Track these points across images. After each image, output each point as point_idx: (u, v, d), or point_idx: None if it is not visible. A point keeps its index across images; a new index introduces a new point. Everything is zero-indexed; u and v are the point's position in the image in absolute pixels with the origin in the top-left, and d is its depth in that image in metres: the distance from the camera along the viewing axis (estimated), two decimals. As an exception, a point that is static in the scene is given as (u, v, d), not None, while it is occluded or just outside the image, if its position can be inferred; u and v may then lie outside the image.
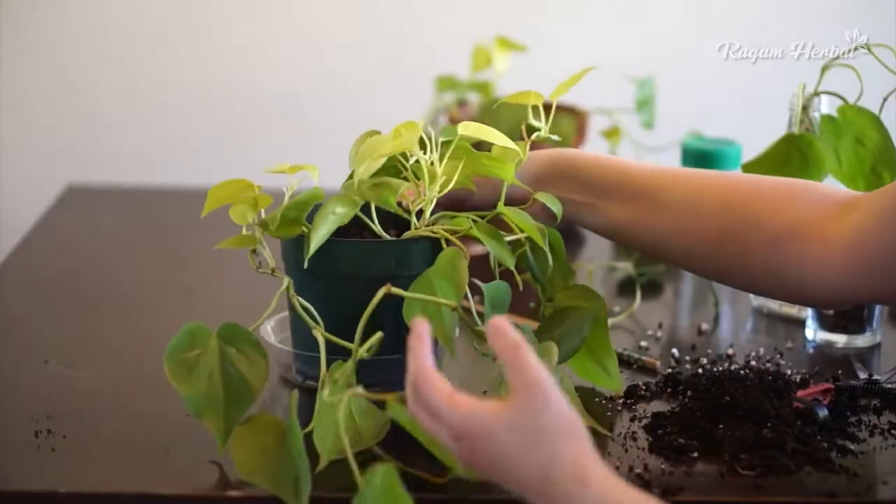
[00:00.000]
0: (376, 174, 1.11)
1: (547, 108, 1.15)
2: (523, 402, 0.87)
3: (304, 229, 1.10)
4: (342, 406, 0.99)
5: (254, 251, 1.11)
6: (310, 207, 1.10)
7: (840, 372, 1.21)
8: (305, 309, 1.09)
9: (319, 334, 1.07)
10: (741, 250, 1.07)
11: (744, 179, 1.11)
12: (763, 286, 1.10)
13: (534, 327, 1.12)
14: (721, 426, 1.07)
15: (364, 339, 1.04)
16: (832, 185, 1.13)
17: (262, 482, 0.96)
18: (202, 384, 1.02)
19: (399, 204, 1.10)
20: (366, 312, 1.03)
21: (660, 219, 1.10)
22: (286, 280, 1.09)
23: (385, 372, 1.13)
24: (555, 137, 1.16)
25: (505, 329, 0.89)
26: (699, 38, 2.28)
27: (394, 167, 1.13)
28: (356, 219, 1.12)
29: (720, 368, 1.21)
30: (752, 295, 1.39)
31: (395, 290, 1.03)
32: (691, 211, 1.10)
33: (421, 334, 0.91)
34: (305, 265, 1.08)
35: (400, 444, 1.02)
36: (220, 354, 1.03)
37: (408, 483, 0.97)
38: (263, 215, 1.10)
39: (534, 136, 1.15)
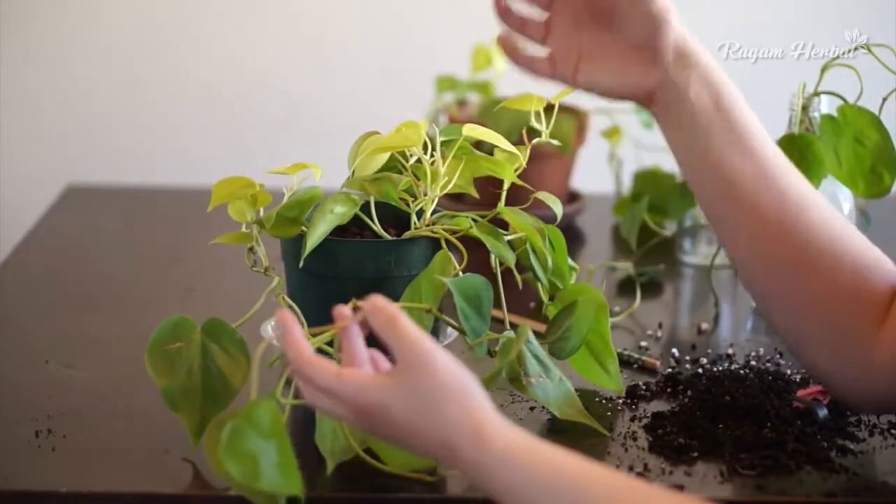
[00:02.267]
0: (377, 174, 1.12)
1: (548, 109, 1.15)
2: (407, 372, 0.86)
3: (304, 228, 1.10)
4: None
5: (250, 249, 1.11)
6: (308, 207, 1.10)
7: (840, 372, 1.20)
8: (293, 308, 1.09)
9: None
10: (824, 290, 1.01)
11: (852, 230, 1.03)
12: (815, 345, 1.03)
13: (537, 328, 1.12)
14: (721, 426, 1.07)
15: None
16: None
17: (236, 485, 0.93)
18: (180, 377, 1.02)
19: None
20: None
21: (763, 190, 1.01)
22: (276, 279, 1.09)
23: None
24: (555, 142, 1.16)
25: (380, 305, 0.88)
26: (699, 38, 2.27)
27: (395, 167, 1.13)
28: (356, 218, 1.12)
29: (720, 368, 1.21)
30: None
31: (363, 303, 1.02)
32: (802, 211, 1.01)
33: (288, 326, 0.90)
34: (301, 264, 1.08)
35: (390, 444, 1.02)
36: (203, 349, 1.03)
37: (403, 482, 0.98)
38: (262, 214, 1.10)
39: (535, 140, 1.15)
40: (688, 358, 1.25)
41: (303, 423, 1.04)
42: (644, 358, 1.23)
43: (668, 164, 1.65)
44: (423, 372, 0.86)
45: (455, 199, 1.58)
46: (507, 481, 0.84)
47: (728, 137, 1.01)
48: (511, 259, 1.10)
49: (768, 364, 1.23)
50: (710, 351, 1.27)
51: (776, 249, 1.01)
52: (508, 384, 1.08)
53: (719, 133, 1.01)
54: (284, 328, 0.90)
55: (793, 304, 1.02)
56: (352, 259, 1.11)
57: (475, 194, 1.15)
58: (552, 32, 1.04)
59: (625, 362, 1.22)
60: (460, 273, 1.06)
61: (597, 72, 1.03)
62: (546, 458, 0.85)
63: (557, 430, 1.08)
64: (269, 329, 1.19)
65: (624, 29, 1.02)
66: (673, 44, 1.03)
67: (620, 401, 1.14)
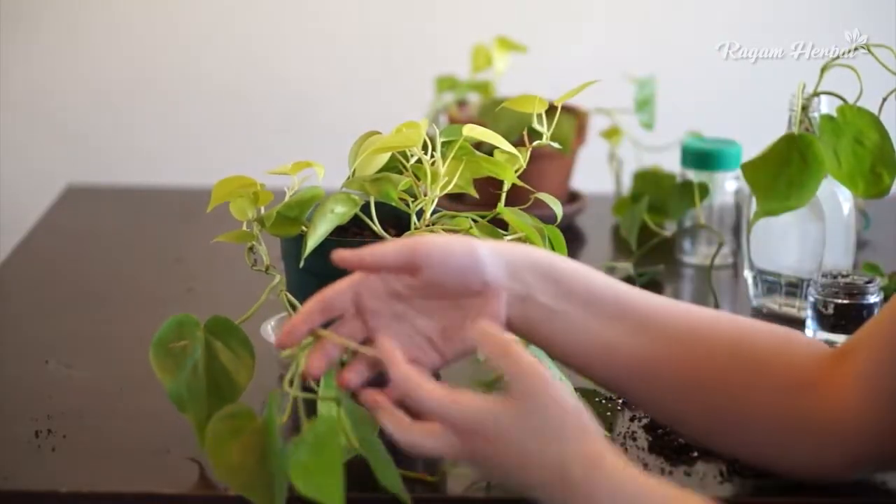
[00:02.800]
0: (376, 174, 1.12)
1: (549, 110, 1.15)
2: (528, 397, 0.86)
3: (304, 228, 1.10)
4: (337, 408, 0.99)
5: (251, 248, 1.11)
6: (308, 206, 1.10)
7: (840, 372, 1.20)
8: (295, 307, 1.09)
9: None
10: (747, 398, 0.95)
11: (744, 320, 1.00)
12: (767, 446, 0.97)
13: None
14: (721, 426, 1.07)
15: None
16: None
17: (235, 484, 0.93)
18: (186, 376, 1.02)
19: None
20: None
21: (651, 343, 0.95)
22: (277, 277, 1.10)
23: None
24: (555, 145, 1.16)
25: (492, 333, 0.87)
26: (699, 38, 2.28)
27: (395, 167, 1.13)
28: (356, 218, 1.12)
29: (720, 368, 1.21)
30: (752, 294, 1.39)
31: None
32: (691, 341, 0.96)
33: (389, 354, 0.88)
34: (302, 264, 1.08)
35: (390, 444, 1.02)
36: (207, 347, 1.03)
37: (403, 483, 0.97)
38: (263, 212, 1.10)
39: (535, 143, 1.15)
40: (688, 358, 1.25)
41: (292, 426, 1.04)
42: (644, 358, 1.23)
43: (668, 164, 1.66)
44: (545, 398, 0.86)
45: (455, 200, 1.58)
46: (610, 499, 0.84)
47: (587, 315, 0.95)
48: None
49: (768, 364, 1.23)
50: (709, 351, 1.27)
51: (696, 395, 0.96)
52: (508, 384, 1.08)
53: (582, 314, 0.95)
54: (386, 357, 0.89)
55: (756, 427, 0.96)
56: (352, 259, 1.11)
57: (475, 194, 1.16)
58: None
59: (625, 362, 1.22)
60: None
61: (456, 342, 0.95)
62: (652, 484, 0.85)
63: (557, 430, 1.08)
64: (269, 329, 1.19)
65: (445, 297, 0.94)
66: (496, 269, 0.94)
67: (620, 401, 1.14)
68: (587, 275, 0.96)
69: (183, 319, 1.04)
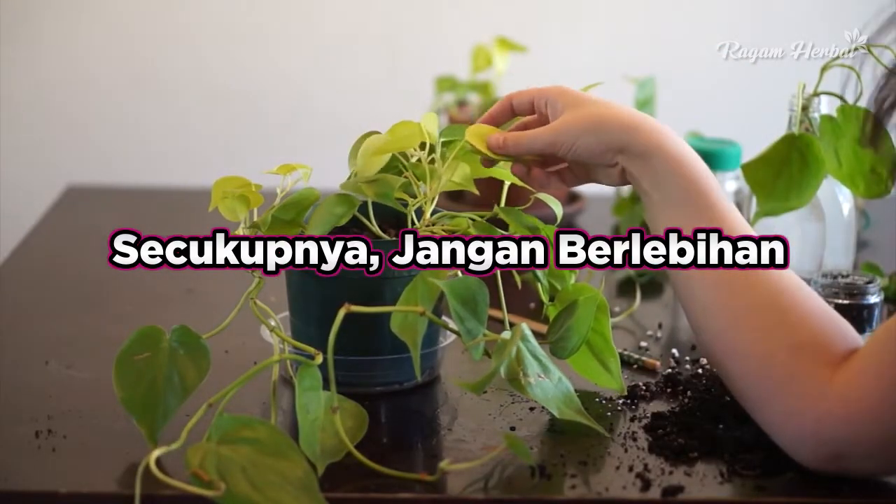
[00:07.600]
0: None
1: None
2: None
3: (302, 230, 1.10)
4: (319, 407, 1.00)
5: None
6: (304, 208, 1.10)
7: (840, 372, 1.20)
8: (265, 310, 1.10)
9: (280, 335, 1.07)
10: (764, 338, 1.00)
11: (810, 291, 1.03)
12: (751, 390, 1.01)
13: (537, 329, 1.12)
14: (721, 426, 1.07)
15: (346, 340, 1.03)
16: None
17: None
18: (143, 388, 1.03)
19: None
20: (333, 329, 1.01)
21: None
22: (256, 280, 1.09)
23: (366, 373, 1.13)
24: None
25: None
26: (699, 38, 2.28)
27: (395, 167, 1.13)
28: (354, 218, 1.12)
29: (720, 368, 1.21)
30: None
31: (355, 309, 1.01)
32: (745, 285, 1.02)
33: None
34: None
35: (390, 444, 1.02)
36: (171, 356, 1.04)
37: (403, 482, 0.98)
38: (256, 215, 1.10)
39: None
40: (688, 358, 1.25)
41: (291, 427, 1.04)
42: (644, 358, 1.23)
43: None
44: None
45: (455, 199, 1.58)
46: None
47: (682, 212, 1.10)
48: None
49: (768, 364, 1.23)
50: (709, 351, 1.27)
51: (743, 298, 1.01)
52: (508, 384, 1.08)
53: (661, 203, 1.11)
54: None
55: (756, 355, 1.00)
56: (351, 259, 1.11)
57: (476, 191, 1.15)
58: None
59: (625, 363, 1.23)
60: (459, 274, 1.06)
61: (581, 177, 1.19)
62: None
63: (557, 430, 1.08)
64: (266, 333, 1.19)
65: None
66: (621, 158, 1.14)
67: (620, 401, 1.14)
68: (687, 182, 1.12)
69: (148, 331, 1.05)
